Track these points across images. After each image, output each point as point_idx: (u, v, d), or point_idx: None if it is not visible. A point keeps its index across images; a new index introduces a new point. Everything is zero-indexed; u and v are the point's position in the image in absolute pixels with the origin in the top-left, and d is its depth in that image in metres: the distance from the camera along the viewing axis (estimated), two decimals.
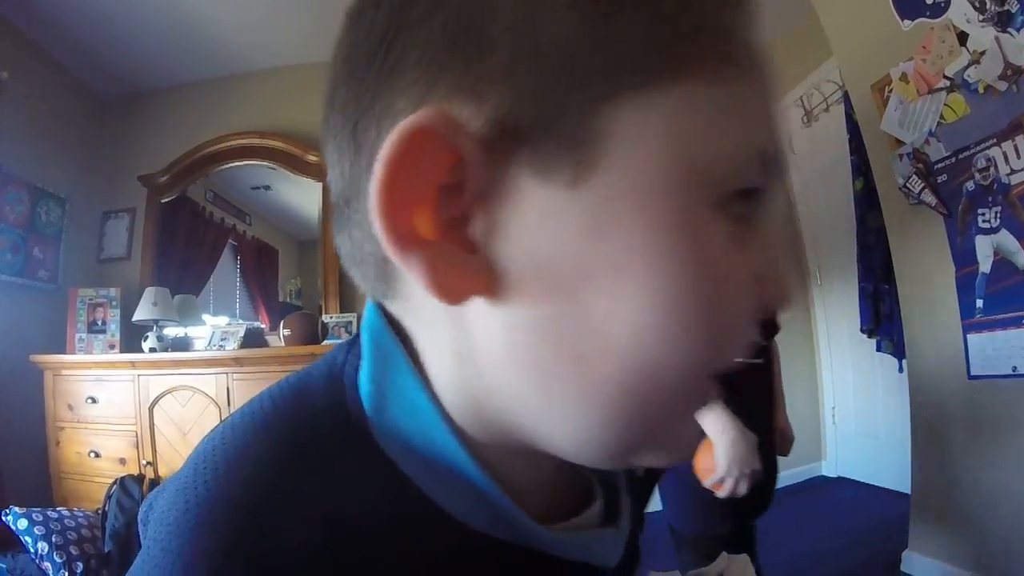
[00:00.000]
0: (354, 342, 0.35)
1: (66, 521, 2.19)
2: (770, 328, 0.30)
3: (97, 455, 2.61)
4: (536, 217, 0.26)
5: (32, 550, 2.06)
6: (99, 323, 2.93)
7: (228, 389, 2.60)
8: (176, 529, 0.27)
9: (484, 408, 0.31)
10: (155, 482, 2.49)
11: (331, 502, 0.28)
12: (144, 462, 2.58)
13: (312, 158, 3.33)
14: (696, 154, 0.26)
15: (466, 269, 0.27)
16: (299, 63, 3.57)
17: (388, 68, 0.27)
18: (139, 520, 0.35)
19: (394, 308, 0.34)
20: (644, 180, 0.26)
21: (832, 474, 3.40)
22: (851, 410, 3.35)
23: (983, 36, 1.70)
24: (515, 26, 0.25)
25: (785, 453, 1.47)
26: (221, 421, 0.34)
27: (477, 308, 0.28)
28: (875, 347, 2.87)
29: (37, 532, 2.06)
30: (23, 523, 2.07)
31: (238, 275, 3.66)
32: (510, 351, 0.29)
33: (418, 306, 0.31)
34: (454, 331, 0.30)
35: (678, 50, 0.26)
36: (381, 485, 0.30)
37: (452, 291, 0.27)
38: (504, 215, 0.27)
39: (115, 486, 2.41)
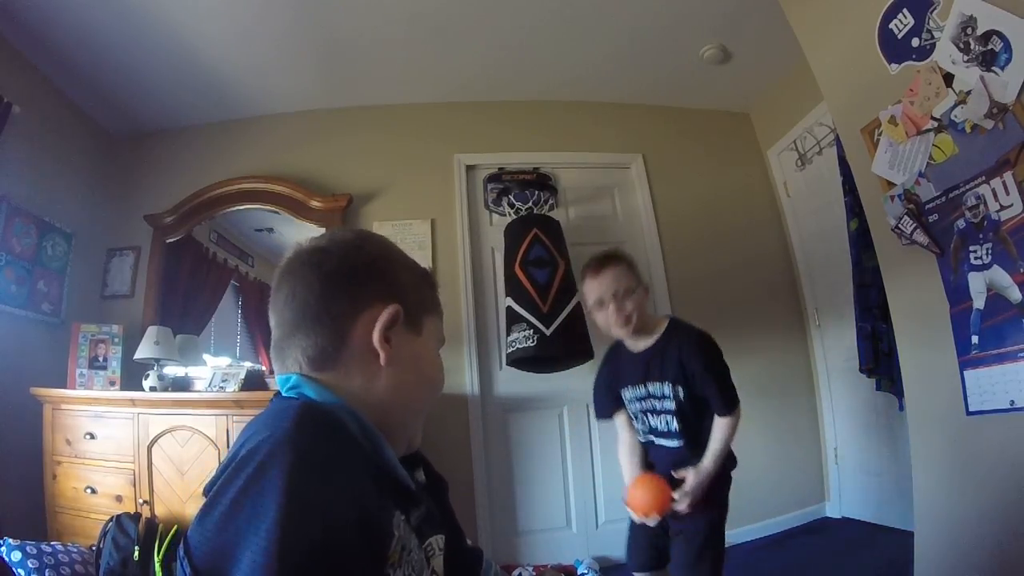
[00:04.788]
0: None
1: (60, 555, 2.17)
2: None
3: (93, 491, 2.58)
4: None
5: None
6: (100, 359, 2.94)
7: (228, 431, 2.58)
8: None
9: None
10: (152, 521, 2.45)
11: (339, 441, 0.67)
12: (141, 501, 2.55)
13: (315, 204, 3.39)
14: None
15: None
16: (304, 110, 3.67)
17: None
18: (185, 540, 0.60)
19: (325, 376, 0.75)
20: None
21: (836, 515, 3.35)
22: (853, 450, 3.32)
23: (968, 76, 1.74)
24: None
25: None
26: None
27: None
28: (875, 386, 2.87)
29: (31, 565, 2.04)
30: (17, 555, 2.05)
31: (239, 316, 3.68)
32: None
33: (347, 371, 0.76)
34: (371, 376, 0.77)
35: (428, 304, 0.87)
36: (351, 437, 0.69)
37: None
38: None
39: (111, 523, 2.38)
